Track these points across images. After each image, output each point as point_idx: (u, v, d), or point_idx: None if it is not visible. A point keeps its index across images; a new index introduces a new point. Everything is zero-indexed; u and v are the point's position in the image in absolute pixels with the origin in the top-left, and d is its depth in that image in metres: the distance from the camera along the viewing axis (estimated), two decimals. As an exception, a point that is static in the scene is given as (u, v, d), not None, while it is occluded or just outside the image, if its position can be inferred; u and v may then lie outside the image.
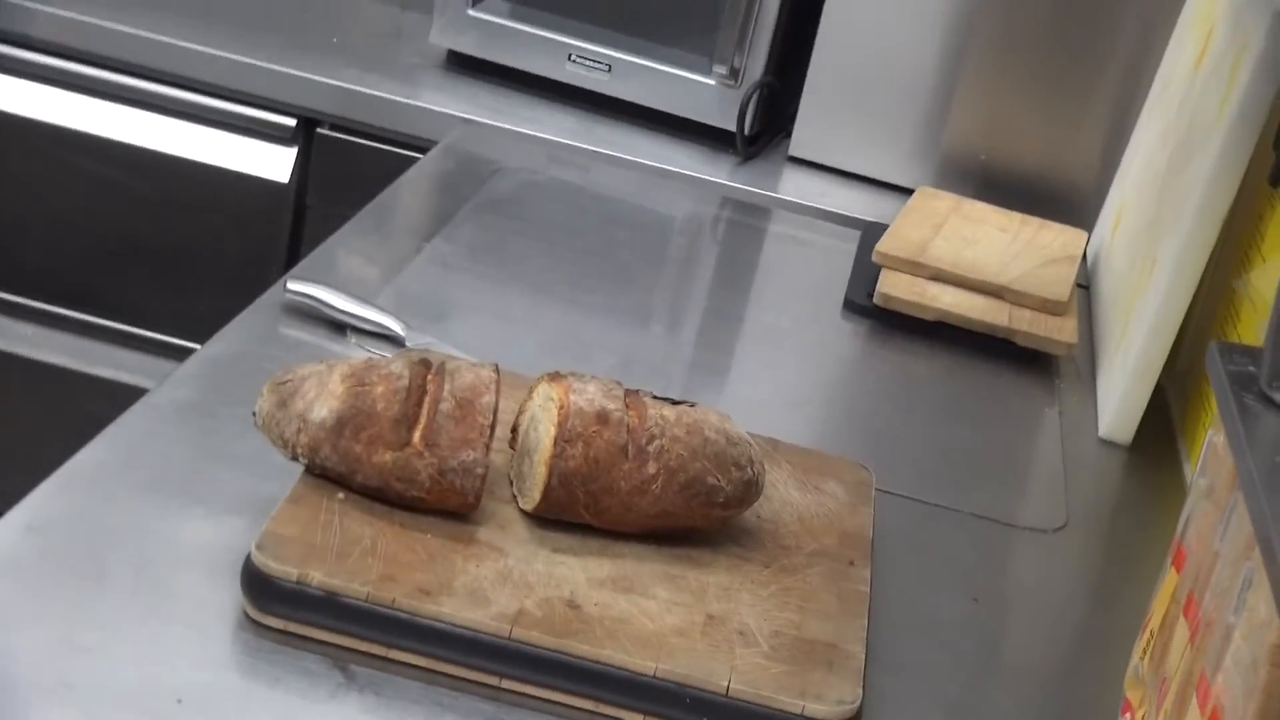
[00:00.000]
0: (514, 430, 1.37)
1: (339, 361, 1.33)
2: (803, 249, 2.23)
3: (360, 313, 1.67)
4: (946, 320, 1.97)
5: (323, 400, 1.29)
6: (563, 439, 1.29)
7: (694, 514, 1.32)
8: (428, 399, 1.30)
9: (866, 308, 2.00)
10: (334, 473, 1.29)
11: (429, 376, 1.32)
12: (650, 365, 1.79)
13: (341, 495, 1.29)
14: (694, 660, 1.20)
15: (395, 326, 1.66)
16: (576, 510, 1.31)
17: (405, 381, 1.29)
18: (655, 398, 1.36)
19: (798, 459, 1.51)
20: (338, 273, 1.79)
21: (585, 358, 1.74)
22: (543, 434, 1.32)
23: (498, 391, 1.31)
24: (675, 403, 1.36)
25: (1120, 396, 1.80)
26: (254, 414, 1.32)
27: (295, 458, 1.30)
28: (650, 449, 1.31)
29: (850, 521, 1.43)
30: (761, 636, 1.25)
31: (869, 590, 1.34)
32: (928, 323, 1.98)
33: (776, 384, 1.81)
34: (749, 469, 1.34)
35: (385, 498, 1.29)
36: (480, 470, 1.28)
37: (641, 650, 1.20)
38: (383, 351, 1.62)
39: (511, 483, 1.36)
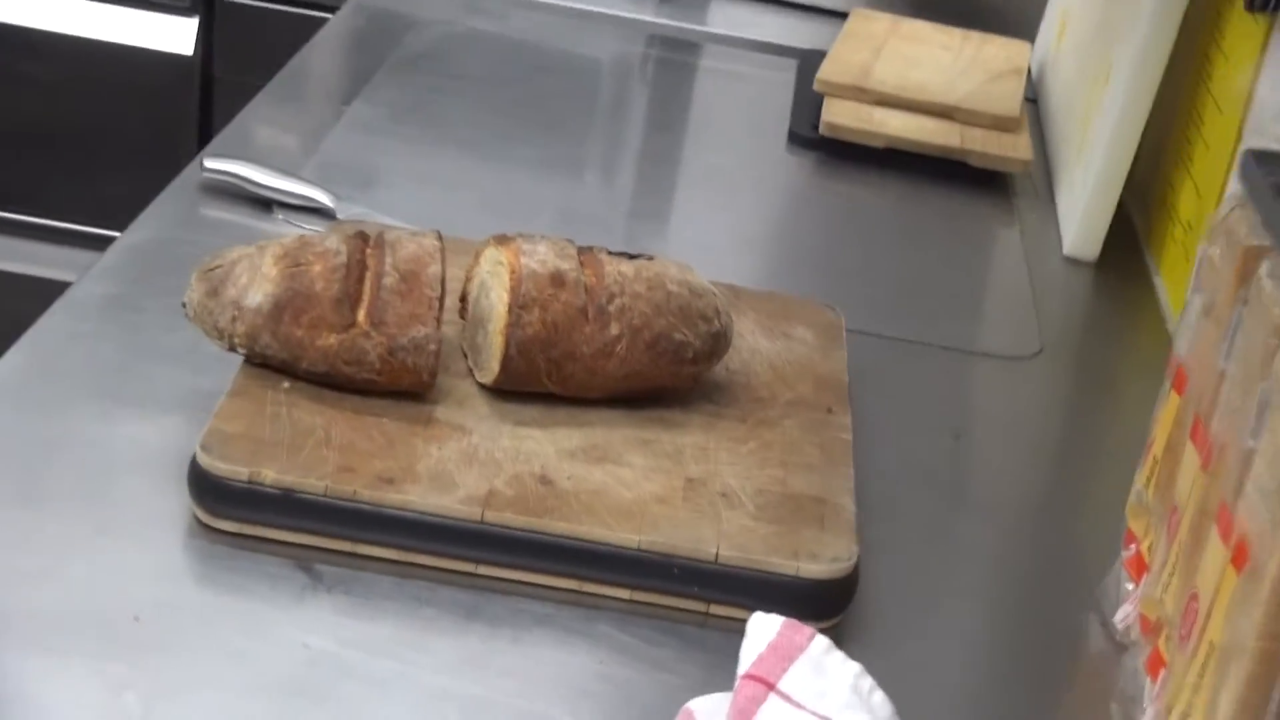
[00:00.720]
0: (463, 299, 1.29)
1: (270, 243, 1.23)
2: (738, 83, 2.14)
3: (285, 186, 1.57)
4: (896, 146, 1.89)
5: (257, 285, 1.20)
6: (517, 305, 1.21)
7: (662, 373, 1.25)
8: (369, 275, 1.21)
9: (812, 139, 1.92)
10: (276, 360, 1.21)
11: (368, 250, 1.23)
12: (591, 218, 1.70)
13: (287, 384, 1.21)
14: (678, 528, 1.13)
15: (324, 198, 1.56)
16: (538, 379, 1.23)
17: (343, 258, 1.20)
18: (611, 254, 1.28)
19: (761, 304, 1.43)
20: (256, 146, 1.69)
21: (524, 215, 1.65)
22: (495, 301, 1.24)
23: (443, 260, 1.23)
24: (632, 257, 1.28)
25: (1083, 212, 1.73)
26: (184, 305, 1.23)
27: (233, 348, 1.22)
28: (611, 308, 1.23)
29: (823, 366, 1.36)
30: (745, 496, 1.18)
31: (850, 438, 1.28)
32: (877, 151, 1.90)
33: (725, 227, 1.73)
34: (716, 320, 1.27)
35: (334, 383, 1.21)
36: (433, 346, 1.19)
37: (622, 522, 1.13)
38: (314, 227, 1.53)
39: (466, 355, 1.28)
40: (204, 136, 2.41)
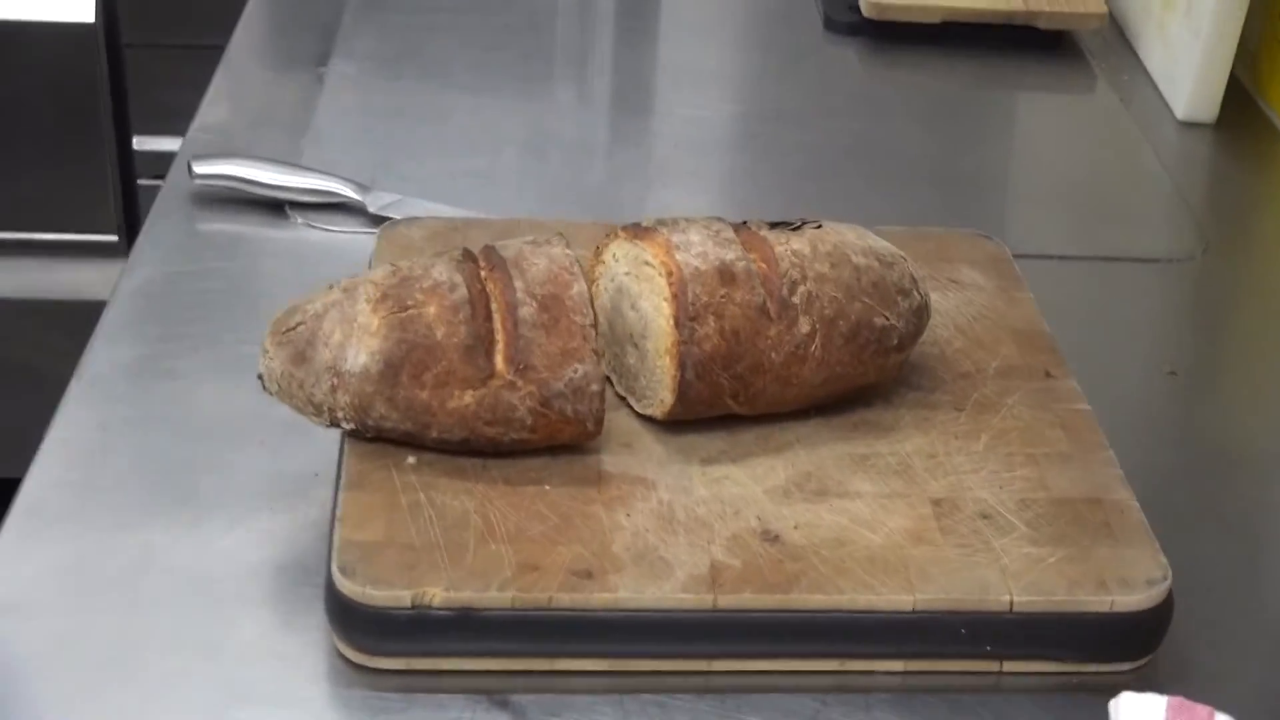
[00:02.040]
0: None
1: (357, 281, 0.97)
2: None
3: (295, 182, 1.30)
4: (954, 19, 1.64)
5: (357, 341, 0.94)
6: (686, 317, 0.96)
7: (866, 368, 1.01)
8: (498, 307, 0.95)
9: (854, 23, 1.66)
10: (396, 433, 0.95)
11: (483, 273, 0.97)
12: (639, 146, 1.44)
13: (412, 459, 0.95)
14: (954, 575, 0.90)
15: (346, 190, 1.29)
16: (721, 402, 0.98)
17: (463, 291, 0.94)
18: (771, 227, 1.03)
19: (910, 246, 1.18)
20: (239, 135, 1.41)
21: (583, 165, 1.39)
22: (650, 313, 0.98)
23: (586, 276, 0.97)
24: (794, 227, 1.03)
25: (1199, 69, 1.50)
26: (260, 378, 0.97)
27: (335, 423, 0.96)
28: (796, 300, 0.98)
29: (1014, 315, 1.13)
30: (1010, 514, 0.95)
31: (1089, 407, 1.04)
32: (929, 28, 1.64)
33: (765, 142, 1.47)
34: (915, 292, 1.03)
35: (473, 448, 0.95)
36: (595, 387, 0.94)
37: (887, 579, 0.89)
38: (345, 229, 1.27)
39: (612, 383, 1.03)
40: (119, 114, 2.11)
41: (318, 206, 1.29)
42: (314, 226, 1.26)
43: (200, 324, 1.14)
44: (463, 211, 1.27)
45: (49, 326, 2.10)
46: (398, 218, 1.24)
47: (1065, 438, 1.01)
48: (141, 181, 2.13)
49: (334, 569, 0.87)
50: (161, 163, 1.40)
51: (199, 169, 1.29)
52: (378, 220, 1.26)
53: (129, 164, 2.13)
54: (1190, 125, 1.53)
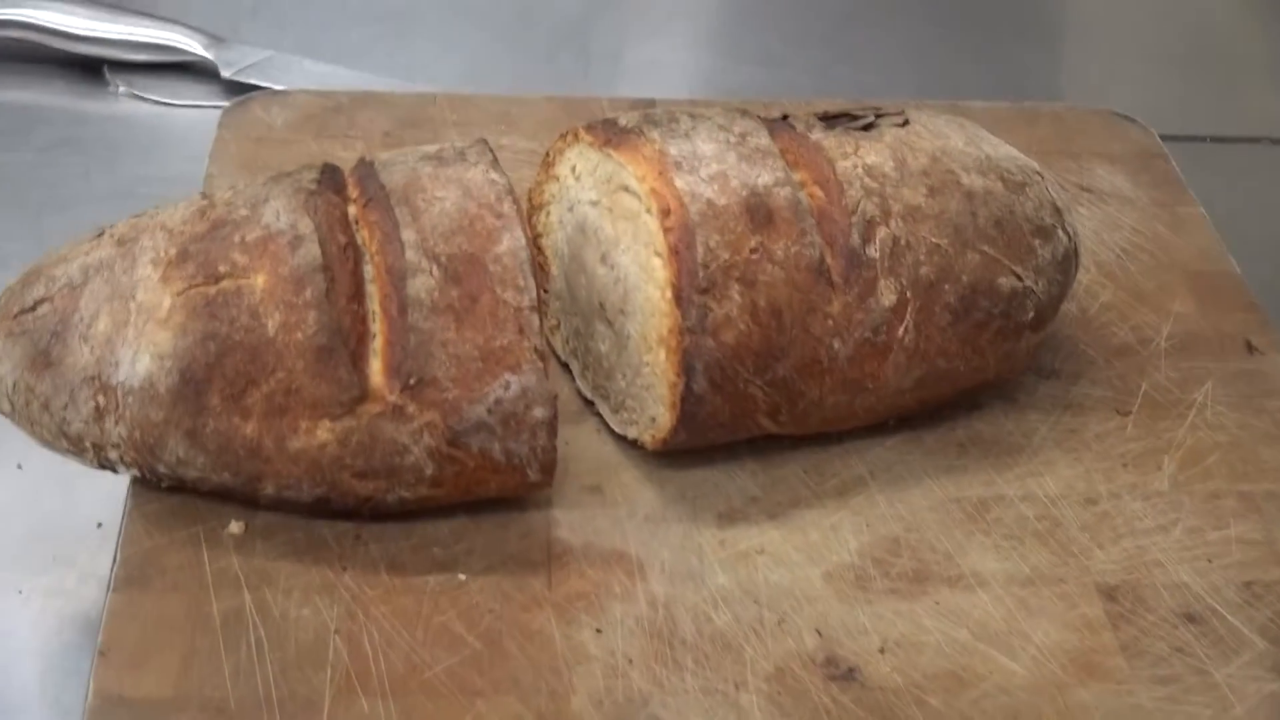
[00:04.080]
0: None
1: (136, 226, 0.58)
2: None
3: (117, 32, 0.90)
4: None
5: (137, 334, 0.55)
6: (694, 288, 0.57)
7: (983, 358, 0.62)
8: (374, 274, 0.56)
9: None
10: (208, 485, 0.56)
11: (355, 215, 0.57)
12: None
13: (236, 526, 0.57)
14: (1157, 745, 0.52)
15: (190, 44, 0.89)
16: (750, 422, 0.60)
17: (313, 249, 0.55)
18: (824, 122, 0.63)
19: (1014, 135, 0.79)
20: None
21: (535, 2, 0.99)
22: (634, 275, 0.59)
23: (523, 218, 0.57)
24: (864, 123, 0.63)
25: None
26: (-15, 389, 0.58)
27: (106, 465, 0.57)
28: (873, 253, 0.59)
29: (1184, 246, 0.75)
30: (1232, 612, 0.57)
31: (1323, 405, 0.66)
32: None
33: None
34: (1059, 230, 0.63)
35: (335, 508, 0.56)
36: (542, 412, 0.55)
37: (1046, 761, 0.51)
38: (179, 96, 0.88)
39: (568, 371, 0.64)
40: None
41: (152, 68, 0.90)
42: (143, 98, 0.87)
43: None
44: (358, 76, 0.87)
45: None
46: (260, 85, 0.84)
47: (1292, 462, 0.63)
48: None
49: (81, 749, 0.49)
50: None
51: (-20, 13, 0.89)
52: (235, 89, 0.86)
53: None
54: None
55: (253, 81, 0.88)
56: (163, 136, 0.88)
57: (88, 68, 0.91)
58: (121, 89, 0.90)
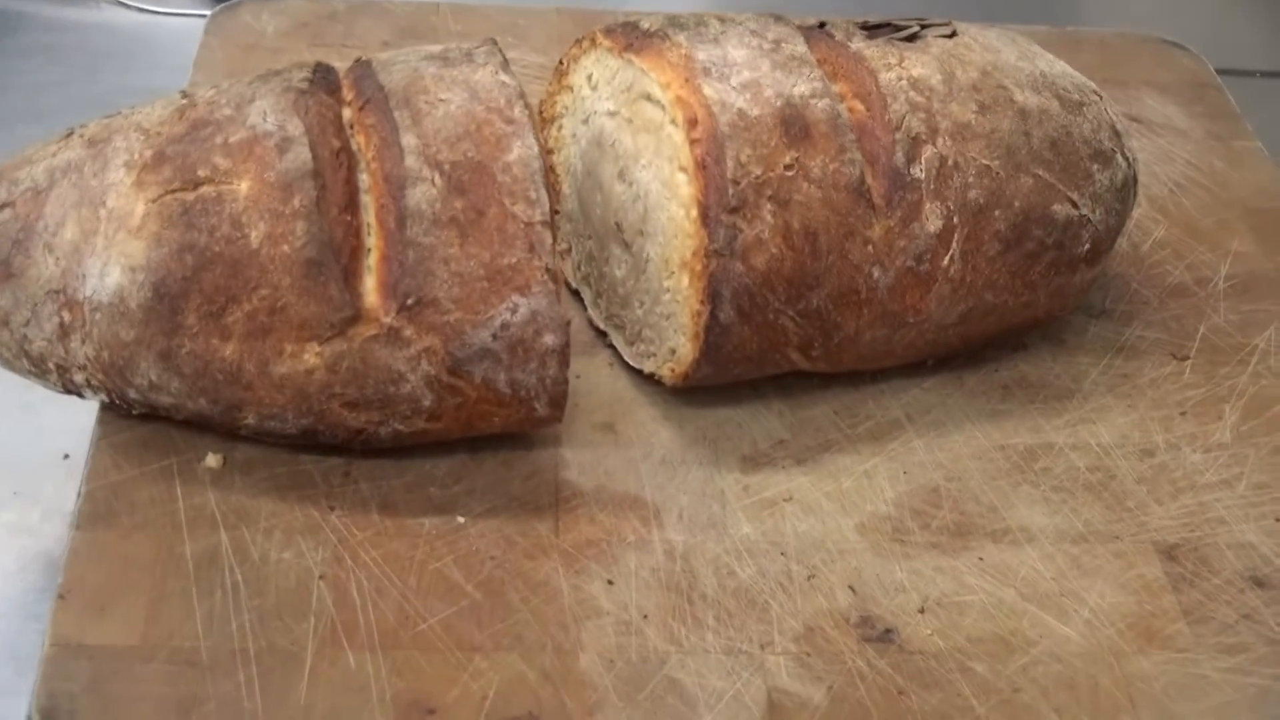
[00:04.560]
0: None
1: (109, 126, 0.52)
2: None
3: (101, -67, 0.84)
4: None
5: (108, 244, 0.49)
6: (722, 208, 0.51)
7: (1035, 293, 0.57)
8: (370, 182, 0.50)
9: None
10: (184, 412, 0.51)
11: (350, 117, 0.52)
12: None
13: (214, 459, 0.52)
14: (1223, 717, 0.47)
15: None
16: (779, 357, 0.55)
17: (303, 152, 0.49)
18: (866, 31, 0.58)
19: (1064, 56, 0.73)
20: None
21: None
22: (656, 192, 0.54)
23: (535, 124, 0.52)
24: (909, 33, 0.58)
25: None
26: (-61, 300, 0.52)
27: (72, 389, 0.52)
28: (919, 173, 0.54)
29: (1241, 180, 0.70)
30: (1302, 574, 0.52)
31: (1397, 354, 0.61)
32: None
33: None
34: (1118, 155, 0.58)
35: (323, 439, 0.51)
36: (551, 339, 0.50)
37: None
38: (162, 5, 0.82)
39: (579, 299, 0.59)
40: None
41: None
42: (127, 5, 0.86)
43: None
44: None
45: None
46: (252, -8, 0.80)
47: (1369, 417, 0.58)
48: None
49: (36, 693, 0.44)
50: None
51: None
52: (226, -7, 0.82)
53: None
54: None
55: (243, -13, 0.83)
56: (147, 45, 0.83)
57: (68, -29, 0.85)
58: (109, -6, 0.84)
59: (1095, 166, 0.57)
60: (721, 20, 0.57)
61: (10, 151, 0.63)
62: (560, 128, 0.60)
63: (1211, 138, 0.72)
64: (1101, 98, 0.60)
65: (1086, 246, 0.57)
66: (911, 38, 0.58)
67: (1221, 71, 0.78)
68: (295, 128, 0.51)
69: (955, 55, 0.57)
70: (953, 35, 0.58)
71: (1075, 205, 0.57)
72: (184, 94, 0.54)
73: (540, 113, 0.61)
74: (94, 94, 0.78)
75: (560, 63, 0.60)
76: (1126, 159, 0.59)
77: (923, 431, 0.56)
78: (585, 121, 0.58)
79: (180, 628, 0.47)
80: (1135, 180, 0.60)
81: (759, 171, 0.52)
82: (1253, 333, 0.62)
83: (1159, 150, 0.71)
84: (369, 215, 0.50)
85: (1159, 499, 0.55)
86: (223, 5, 0.76)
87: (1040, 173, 0.56)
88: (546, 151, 0.61)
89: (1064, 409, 0.58)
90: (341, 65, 0.60)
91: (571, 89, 0.59)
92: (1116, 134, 0.59)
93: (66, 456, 0.58)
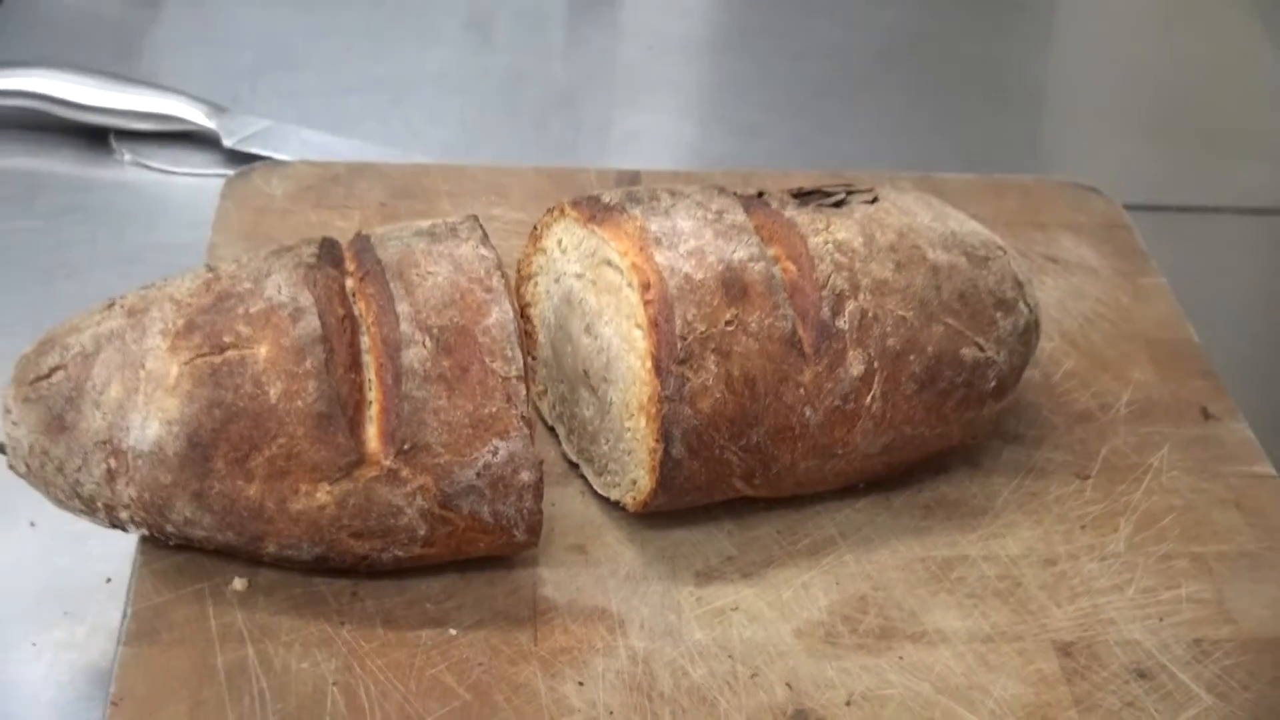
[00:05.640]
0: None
1: (145, 298, 0.61)
2: None
3: (122, 102, 0.94)
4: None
5: (147, 401, 0.58)
6: (672, 358, 0.60)
7: (948, 425, 0.66)
8: (370, 346, 0.59)
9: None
10: (214, 543, 0.59)
11: (352, 288, 0.61)
12: (602, 49, 1.08)
13: (240, 583, 0.60)
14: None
15: (195, 115, 0.93)
16: (726, 486, 0.63)
17: (313, 321, 0.58)
18: (798, 199, 0.67)
19: (984, 207, 0.83)
20: (51, 34, 1.04)
21: (528, 72, 1.03)
22: (616, 346, 0.63)
23: (511, 291, 0.61)
24: (836, 200, 0.67)
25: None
26: (2, 450, 0.61)
27: (117, 525, 0.60)
28: (843, 325, 0.62)
29: (1145, 314, 0.78)
30: (1181, 668, 0.60)
31: (1274, 472, 0.69)
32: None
33: (783, 45, 1.10)
34: (1020, 303, 0.67)
35: (333, 565, 0.60)
36: (527, 475, 0.59)
37: (1001, 807, 0.55)
38: (183, 165, 0.92)
39: (554, 435, 0.68)
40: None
41: (155, 136, 0.93)
42: (147, 166, 0.91)
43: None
44: (354, 145, 0.91)
45: None
46: (261, 154, 0.88)
47: (1245, 525, 0.67)
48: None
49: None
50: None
51: (-12, 82, 0.93)
52: (237, 158, 0.90)
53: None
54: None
55: (253, 150, 0.92)
56: (167, 204, 0.91)
57: (94, 136, 0.94)
58: (127, 157, 0.93)
59: (999, 314, 0.66)
60: (672, 194, 0.66)
61: (49, 304, 0.72)
62: (535, 284, 0.69)
63: (1119, 275, 0.81)
64: (1005, 252, 0.68)
65: (993, 384, 0.66)
66: (839, 204, 0.67)
67: (1134, 207, 0.88)
68: (305, 299, 0.59)
69: (875, 219, 0.66)
70: (874, 200, 0.67)
71: (982, 349, 0.65)
72: (209, 268, 0.63)
73: (518, 269, 0.70)
74: (120, 249, 0.87)
75: (535, 228, 0.69)
76: (1028, 306, 0.68)
77: (853, 547, 0.65)
78: (557, 280, 0.67)
79: (214, 730, 0.56)
80: (1037, 324, 0.68)
81: (703, 328, 0.61)
82: (1148, 453, 0.70)
83: (1072, 288, 0.80)
84: (370, 373, 0.59)
85: (1058, 603, 0.63)
86: (238, 171, 0.85)
87: (950, 321, 0.65)
88: (524, 305, 0.70)
89: (978, 525, 0.66)
90: (344, 228, 0.69)
91: (545, 251, 0.68)
92: (1019, 285, 0.68)
93: (109, 580, 0.66)
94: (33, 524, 0.68)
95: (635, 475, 0.63)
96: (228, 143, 0.93)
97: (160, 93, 0.94)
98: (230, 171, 0.87)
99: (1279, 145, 1.04)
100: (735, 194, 0.67)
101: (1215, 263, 0.92)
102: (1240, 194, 0.98)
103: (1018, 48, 1.13)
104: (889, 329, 0.64)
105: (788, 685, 0.59)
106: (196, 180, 0.92)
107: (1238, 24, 1.16)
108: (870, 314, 0.63)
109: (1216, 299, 0.87)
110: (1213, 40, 1.16)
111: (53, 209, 0.90)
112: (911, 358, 0.64)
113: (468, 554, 0.61)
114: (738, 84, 1.08)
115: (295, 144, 0.92)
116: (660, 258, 0.62)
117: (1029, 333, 0.68)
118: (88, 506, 0.60)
